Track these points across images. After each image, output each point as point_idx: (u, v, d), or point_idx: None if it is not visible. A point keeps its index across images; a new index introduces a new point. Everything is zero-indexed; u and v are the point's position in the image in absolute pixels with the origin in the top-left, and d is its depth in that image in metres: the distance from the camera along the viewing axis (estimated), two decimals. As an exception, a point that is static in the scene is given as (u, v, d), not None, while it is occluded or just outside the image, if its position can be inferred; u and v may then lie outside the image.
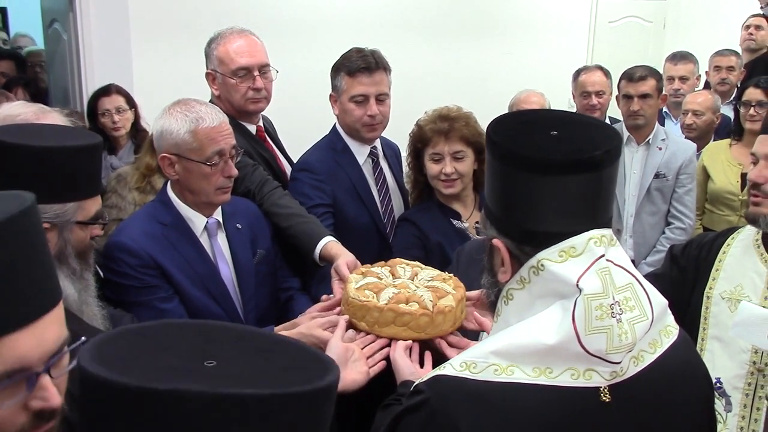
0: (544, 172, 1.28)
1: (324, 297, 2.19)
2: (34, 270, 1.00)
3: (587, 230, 1.30)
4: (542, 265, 1.30)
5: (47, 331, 1.00)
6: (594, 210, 1.32)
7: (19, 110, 1.91)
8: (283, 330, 2.08)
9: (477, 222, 2.27)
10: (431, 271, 2.14)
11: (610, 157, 1.30)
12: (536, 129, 1.35)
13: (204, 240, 2.32)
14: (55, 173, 1.63)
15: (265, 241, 2.50)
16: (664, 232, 3.82)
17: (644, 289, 1.33)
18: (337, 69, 2.84)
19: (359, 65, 2.77)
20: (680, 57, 4.89)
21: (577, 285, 1.27)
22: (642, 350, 1.33)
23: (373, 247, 2.86)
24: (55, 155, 1.62)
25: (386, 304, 1.91)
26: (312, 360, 0.93)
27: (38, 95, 4.84)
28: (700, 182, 3.90)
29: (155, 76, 4.44)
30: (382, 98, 2.84)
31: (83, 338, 1.02)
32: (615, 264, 1.31)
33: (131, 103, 4.05)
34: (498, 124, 1.39)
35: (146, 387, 0.80)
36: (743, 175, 3.69)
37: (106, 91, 4.01)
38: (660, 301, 1.36)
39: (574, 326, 1.26)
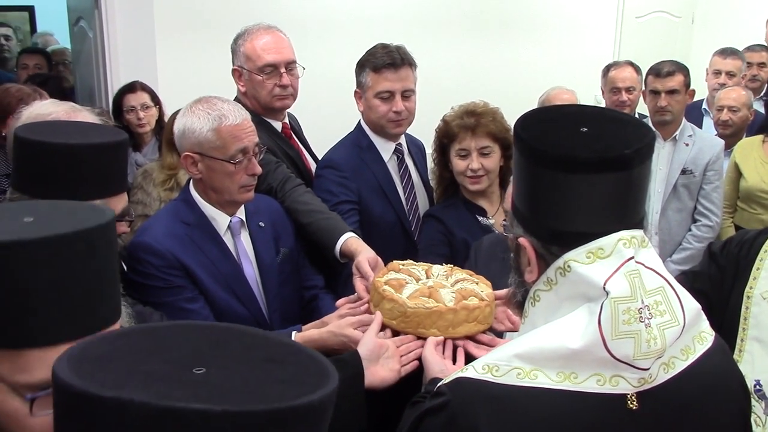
0: (571, 170, 1.24)
1: (341, 301, 2.17)
2: (106, 283, 1.04)
3: (616, 231, 1.26)
4: (569, 266, 1.26)
5: None
6: (624, 210, 1.27)
7: (51, 109, 1.91)
8: (312, 328, 2.06)
9: (504, 220, 2.23)
10: (464, 273, 2.12)
11: (640, 155, 1.25)
12: (566, 125, 1.31)
13: (227, 239, 2.31)
14: (81, 171, 1.63)
15: (289, 240, 2.49)
16: (690, 230, 3.75)
17: (676, 293, 1.29)
18: (362, 65, 2.82)
19: (385, 61, 2.75)
20: (730, 52, 4.78)
21: (604, 288, 1.23)
22: (673, 357, 1.29)
23: (398, 244, 2.84)
24: (80, 152, 1.62)
25: (413, 304, 1.89)
26: (316, 373, 0.88)
27: (62, 93, 4.88)
28: (732, 179, 3.83)
29: (179, 74, 4.45)
30: (407, 94, 2.82)
31: None
32: (645, 266, 1.27)
33: (155, 99, 4.06)
34: (526, 119, 1.35)
35: (89, 392, 0.77)
36: (777, 173, 3.62)
37: (132, 87, 4.03)
38: (693, 306, 1.31)
39: (600, 330, 1.22)
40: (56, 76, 5.61)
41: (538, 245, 1.32)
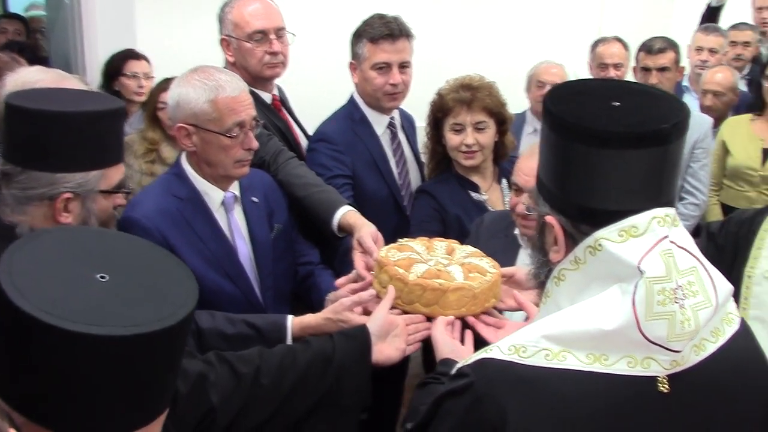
0: (605, 145, 1.19)
1: (340, 280, 2.11)
2: (169, 375, 1.01)
3: (649, 209, 1.22)
4: (600, 244, 1.22)
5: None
6: (658, 187, 1.23)
7: (38, 76, 1.83)
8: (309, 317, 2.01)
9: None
10: (467, 248, 2.07)
11: (678, 130, 1.21)
12: (596, 99, 1.26)
13: (220, 216, 2.23)
14: (77, 140, 1.56)
15: (282, 215, 2.42)
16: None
17: (708, 274, 1.25)
18: (359, 36, 2.76)
19: (383, 32, 2.69)
20: (712, 29, 4.76)
21: (639, 267, 1.19)
22: (704, 338, 1.26)
23: (391, 220, 2.80)
24: (77, 121, 1.55)
25: (417, 278, 1.84)
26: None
27: (37, 63, 4.73)
28: (718, 157, 3.83)
29: (161, 44, 4.32)
30: (404, 66, 2.76)
31: None
32: (678, 246, 1.23)
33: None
34: (554, 93, 1.30)
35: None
36: (764, 151, 3.62)
37: (135, 54, 3.92)
38: (725, 287, 1.28)
39: (635, 311, 1.18)
40: (33, 44, 5.44)
41: (567, 223, 1.28)
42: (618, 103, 1.25)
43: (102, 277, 0.96)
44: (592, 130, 1.20)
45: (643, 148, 1.20)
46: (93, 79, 4.00)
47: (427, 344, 1.89)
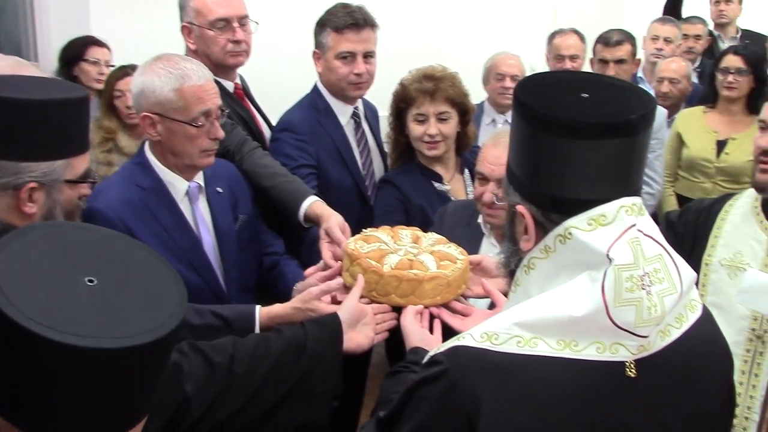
0: (576, 136, 1.22)
1: (309, 270, 2.11)
2: (155, 382, 1.00)
3: (617, 198, 1.24)
4: (570, 233, 1.25)
5: None
6: (626, 177, 1.26)
7: None
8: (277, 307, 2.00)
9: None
10: (432, 236, 2.09)
11: (645, 121, 1.24)
12: (566, 91, 1.29)
13: (185, 206, 2.21)
14: (43, 128, 1.52)
15: (246, 205, 2.41)
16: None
17: (674, 261, 1.29)
18: (323, 25, 2.74)
19: (347, 21, 2.68)
20: (668, 20, 4.87)
21: (608, 255, 1.21)
22: (669, 324, 1.29)
23: (355, 209, 2.80)
24: (43, 109, 1.51)
25: (392, 270, 1.85)
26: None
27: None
28: (673, 149, 3.91)
29: (116, 31, 4.22)
30: (369, 56, 2.76)
31: None
32: (644, 234, 1.26)
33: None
34: (525, 85, 1.32)
35: None
36: (718, 143, 3.71)
37: (96, 41, 3.83)
38: (689, 274, 1.31)
39: (604, 298, 1.21)
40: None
41: (537, 213, 1.30)
42: (587, 95, 1.27)
43: (90, 281, 0.94)
44: (563, 121, 1.22)
45: (612, 139, 1.22)
46: (45, 66, 3.90)
47: (390, 334, 1.91)
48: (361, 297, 1.87)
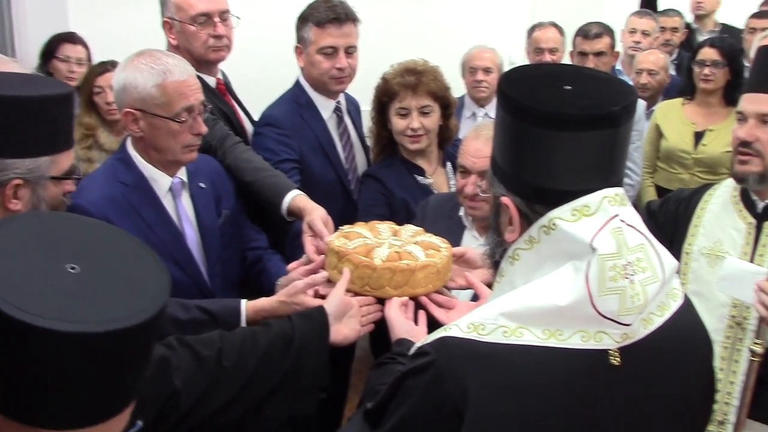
0: (560, 127, 1.23)
1: (292, 265, 2.11)
2: (140, 368, 1.01)
3: (600, 189, 1.26)
4: (554, 224, 1.26)
5: (113, 427, 1.01)
6: (609, 168, 1.28)
7: None
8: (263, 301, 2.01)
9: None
10: (410, 227, 2.10)
11: (628, 113, 1.26)
12: (549, 83, 1.30)
13: (168, 202, 2.21)
14: (28, 125, 1.51)
15: (229, 200, 2.41)
16: None
17: (656, 250, 1.31)
18: (305, 19, 2.74)
19: (329, 16, 2.68)
20: (645, 13, 4.93)
21: (591, 245, 1.23)
22: (651, 313, 1.31)
23: (338, 204, 2.81)
24: (27, 106, 1.50)
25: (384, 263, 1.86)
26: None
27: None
28: (652, 140, 3.94)
29: (94, 27, 4.18)
30: (351, 51, 2.77)
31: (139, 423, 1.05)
32: (627, 224, 1.28)
33: (89, 59, 3.81)
34: (509, 77, 1.34)
35: None
36: (696, 134, 3.75)
37: (71, 38, 3.76)
38: (671, 263, 1.34)
39: (588, 287, 1.23)
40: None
41: (521, 204, 1.31)
42: (570, 87, 1.28)
43: (72, 268, 0.94)
44: (547, 113, 1.24)
45: (596, 130, 1.24)
46: (24, 63, 3.86)
47: (375, 327, 1.92)
48: (352, 292, 1.88)
